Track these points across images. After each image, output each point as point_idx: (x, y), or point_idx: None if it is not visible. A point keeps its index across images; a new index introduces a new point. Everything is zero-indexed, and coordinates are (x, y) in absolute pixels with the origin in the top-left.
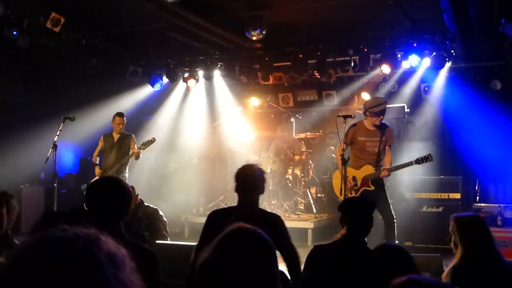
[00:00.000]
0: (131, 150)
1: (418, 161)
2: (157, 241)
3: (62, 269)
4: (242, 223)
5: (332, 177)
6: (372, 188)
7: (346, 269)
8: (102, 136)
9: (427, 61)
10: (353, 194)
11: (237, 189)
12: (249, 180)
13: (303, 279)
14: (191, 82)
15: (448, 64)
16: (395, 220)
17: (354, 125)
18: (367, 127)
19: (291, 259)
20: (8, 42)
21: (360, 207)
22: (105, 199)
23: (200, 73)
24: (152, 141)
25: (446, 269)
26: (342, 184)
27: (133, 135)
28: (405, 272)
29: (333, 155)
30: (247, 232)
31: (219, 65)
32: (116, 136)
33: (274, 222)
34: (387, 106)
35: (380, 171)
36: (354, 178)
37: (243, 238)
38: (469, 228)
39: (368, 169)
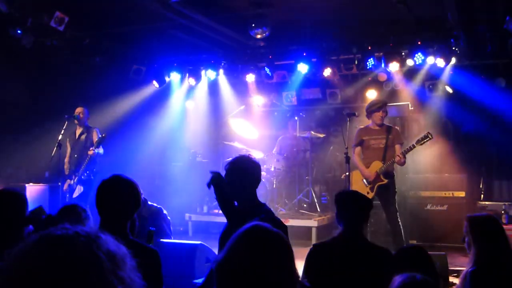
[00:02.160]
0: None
1: (419, 141)
2: (161, 240)
3: (61, 267)
4: (257, 222)
5: (351, 177)
6: (385, 181)
7: (348, 264)
8: (68, 137)
9: (431, 59)
10: (370, 193)
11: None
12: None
13: (304, 277)
14: (195, 80)
15: (452, 62)
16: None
17: (360, 128)
18: (371, 127)
19: None
20: (13, 41)
21: (355, 200)
22: (112, 200)
23: (204, 71)
24: (103, 137)
25: (463, 272)
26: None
27: (95, 129)
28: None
29: (337, 153)
30: (262, 230)
31: (222, 64)
32: (77, 132)
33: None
34: (392, 104)
35: (391, 162)
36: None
37: (259, 236)
38: (482, 228)
39: (377, 165)
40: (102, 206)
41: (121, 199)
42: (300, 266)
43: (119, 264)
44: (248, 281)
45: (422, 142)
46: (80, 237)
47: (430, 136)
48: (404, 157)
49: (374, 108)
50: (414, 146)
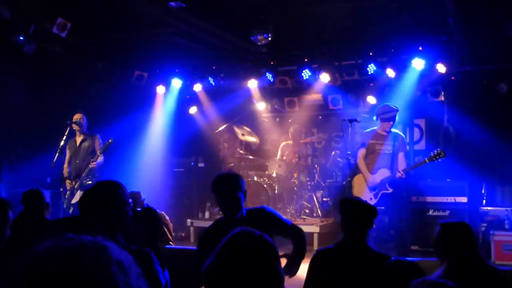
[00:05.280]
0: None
1: (431, 158)
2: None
3: (74, 282)
4: (245, 227)
5: (353, 181)
6: (390, 190)
7: (350, 271)
8: (68, 144)
9: (432, 64)
10: (373, 199)
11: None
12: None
13: (308, 284)
14: (197, 86)
15: (454, 67)
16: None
17: (368, 131)
18: (378, 132)
19: (297, 237)
20: (15, 47)
21: (359, 208)
22: (100, 208)
23: (205, 77)
24: (110, 143)
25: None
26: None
27: (97, 135)
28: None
29: (339, 159)
30: (249, 236)
31: (224, 69)
32: (78, 139)
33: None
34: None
35: (394, 175)
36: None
37: (246, 241)
38: (455, 235)
39: (384, 173)
40: (87, 214)
41: (103, 204)
42: (301, 270)
43: (129, 273)
44: (234, 285)
45: (435, 159)
46: (89, 249)
47: (443, 154)
48: (406, 173)
49: (386, 116)
50: (425, 162)
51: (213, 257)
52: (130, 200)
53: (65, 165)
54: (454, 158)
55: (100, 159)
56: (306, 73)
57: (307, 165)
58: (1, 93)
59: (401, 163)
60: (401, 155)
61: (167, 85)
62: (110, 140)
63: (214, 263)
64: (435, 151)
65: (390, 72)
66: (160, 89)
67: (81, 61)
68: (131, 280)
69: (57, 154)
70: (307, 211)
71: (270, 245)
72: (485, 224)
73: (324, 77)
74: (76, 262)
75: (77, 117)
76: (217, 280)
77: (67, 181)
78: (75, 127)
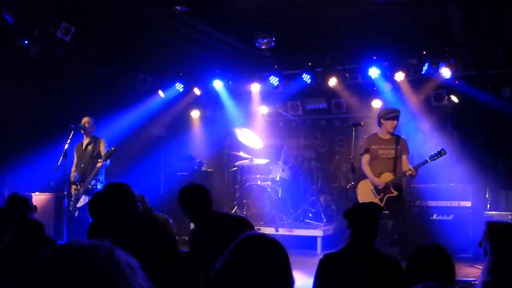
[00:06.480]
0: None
1: (433, 158)
2: None
3: (89, 277)
4: (252, 231)
5: (357, 187)
6: (395, 193)
7: (359, 274)
8: (75, 147)
9: (436, 69)
10: (379, 204)
11: None
12: None
13: None
14: (200, 90)
15: (457, 72)
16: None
17: (369, 136)
18: (380, 136)
19: None
20: (19, 51)
21: (365, 212)
22: (101, 208)
23: (209, 81)
24: (112, 151)
25: (480, 281)
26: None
27: (102, 139)
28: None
29: (342, 163)
30: (257, 238)
31: (228, 73)
32: (84, 143)
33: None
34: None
35: (401, 175)
36: (376, 188)
37: (254, 244)
38: (503, 237)
39: (388, 176)
40: (95, 215)
41: (111, 205)
42: (305, 274)
43: (136, 273)
44: None
45: (436, 157)
46: (99, 248)
47: (443, 152)
48: (416, 171)
49: (389, 116)
50: (426, 161)
51: (221, 261)
52: (139, 204)
53: (73, 169)
54: (458, 162)
55: (107, 162)
56: (309, 77)
57: (310, 169)
58: (5, 96)
59: (406, 166)
60: (404, 158)
61: (171, 88)
62: (113, 148)
63: (223, 267)
64: (435, 150)
65: (394, 76)
66: (164, 93)
67: (85, 65)
68: (139, 279)
69: (61, 157)
70: (310, 215)
71: (281, 249)
72: None
73: (328, 81)
74: (89, 259)
75: (84, 120)
76: (226, 284)
77: (73, 186)
78: (81, 130)
